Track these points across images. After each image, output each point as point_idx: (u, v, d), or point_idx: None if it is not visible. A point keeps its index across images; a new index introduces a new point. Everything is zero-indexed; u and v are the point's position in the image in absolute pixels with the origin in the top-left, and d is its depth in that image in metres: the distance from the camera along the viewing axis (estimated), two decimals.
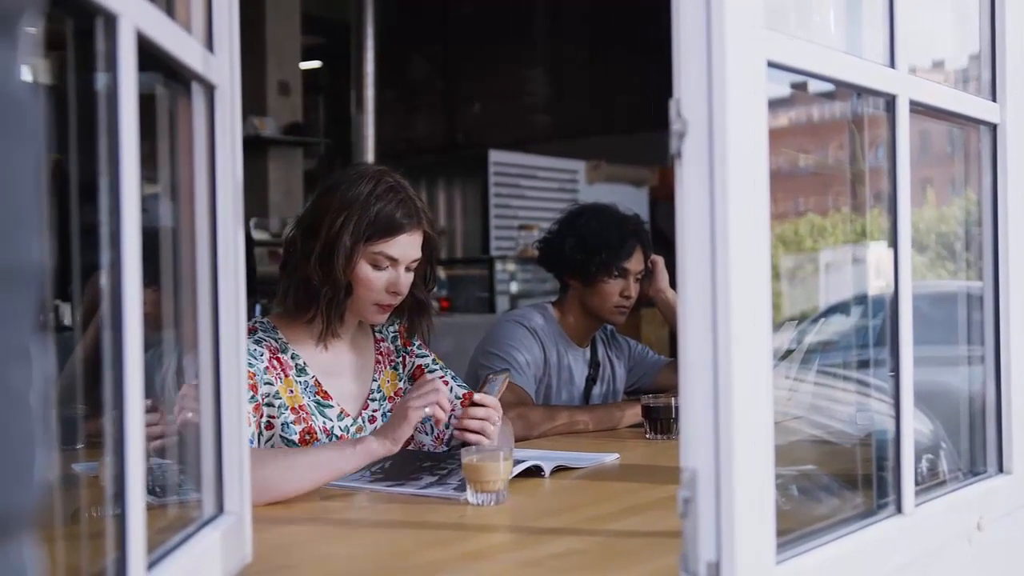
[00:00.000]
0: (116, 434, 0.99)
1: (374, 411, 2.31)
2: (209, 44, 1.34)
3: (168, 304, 1.35)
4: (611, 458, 2.32)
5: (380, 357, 2.37)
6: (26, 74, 0.57)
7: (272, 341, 2.19)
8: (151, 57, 1.10)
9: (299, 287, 2.19)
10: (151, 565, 1.08)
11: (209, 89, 1.33)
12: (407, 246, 2.20)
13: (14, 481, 0.55)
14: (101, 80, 1.00)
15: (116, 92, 0.99)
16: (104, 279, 1.00)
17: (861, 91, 1.54)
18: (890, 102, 1.50)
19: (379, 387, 2.34)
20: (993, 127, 1.78)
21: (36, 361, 0.57)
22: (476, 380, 2.90)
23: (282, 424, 2.14)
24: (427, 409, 1.98)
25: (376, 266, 2.19)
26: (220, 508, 1.35)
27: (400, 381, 2.38)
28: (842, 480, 1.69)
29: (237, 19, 1.38)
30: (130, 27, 1.00)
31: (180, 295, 1.36)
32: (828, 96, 1.72)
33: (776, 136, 1.24)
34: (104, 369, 1.01)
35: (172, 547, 1.18)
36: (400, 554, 1.58)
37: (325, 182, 2.26)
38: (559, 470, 2.15)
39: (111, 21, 0.98)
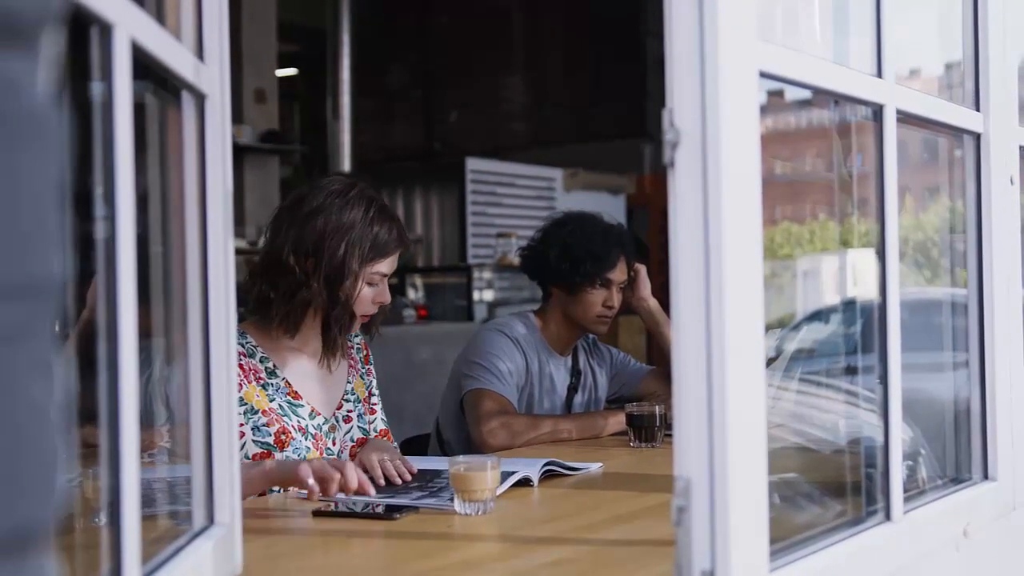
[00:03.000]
0: (111, 446, 0.99)
1: (348, 411, 2.37)
2: (200, 53, 1.33)
3: (156, 313, 1.34)
4: (595, 467, 2.32)
5: (352, 362, 2.44)
6: (47, 87, 0.56)
7: (238, 346, 2.20)
8: (142, 66, 1.09)
9: (300, 310, 2.23)
10: None
11: (200, 98, 1.32)
12: (395, 261, 2.31)
13: (38, 495, 0.55)
14: (95, 89, 1.00)
15: (111, 101, 0.98)
16: (99, 288, 0.99)
17: (849, 100, 1.55)
18: (877, 111, 1.51)
19: (352, 389, 2.41)
20: (977, 136, 1.79)
21: (56, 374, 0.57)
22: (458, 389, 2.90)
23: (254, 428, 2.17)
24: (310, 481, 1.89)
25: (370, 284, 2.27)
26: (211, 519, 1.35)
27: (365, 390, 2.45)
28: (830, 488, 1.69)
29: (227, 28, 1.37)
30: (125, 36, 1.00)
31: (167, 305, 1.35)
32: (803, 104, 1.73)
33: None
34: (87, 378, 1.00)
35: (165, 559, 1.18)
36: (390, 565, 1.57)
37: (306, 202, 2.25)
38: (547, 476, 2.15)
39: (106, 30, 0.98)
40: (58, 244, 0.57)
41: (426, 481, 2.11)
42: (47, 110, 0.56)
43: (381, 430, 2.45)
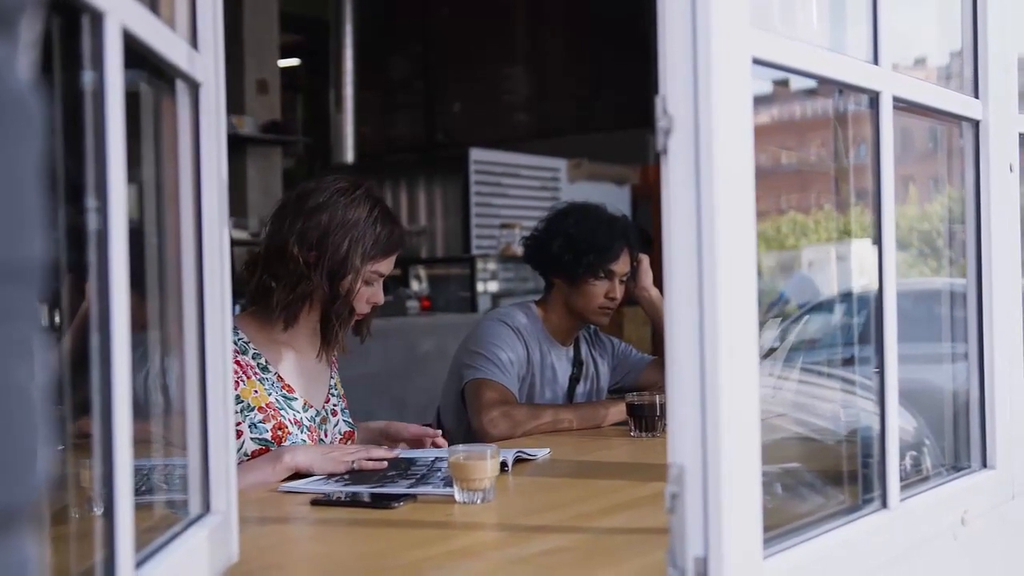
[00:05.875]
0: (104, 434, 0.99)
1: (334, 405, 2.41)
2: (194, 41, 1.33)
3: (151, 305, 1.34)
4: (543, 452, 2.34)
5: (334, 358, 2.46)
6: (26, 72, 0.56)
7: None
8: (135, 54, 1.09)
9: (300, 302, 2.25)
10: (139, 564, 1.07)
11: (194, 87, 1.32)
12: (392, 262, 2.34)
13: (18, 476, 0.55)
14: (87, 78, 1.00)
15: (103, 91, 0.98)
16: (91, 280, 1.00)
17: (845, 87, 1.54)
18: (874, 99, 1.51)
19: (335, 384, 2.44)
20: (975, 123, 1.79)
21: (38, 356, 0.57)
22: (459, 379, 2.90)
23: (250, 425, 2.18)
24: (355, 465, 2.11)
25: (367, 283, 2.29)
26: (207, 507, 1.35)
27: (341, 387, 2.49)
28: (827, 476, 1.69)
29: (221, 16, 1.37)
30: (116, 25, 1.00)
31: (164, 296, 1.35)
32: (809, 94, 1.72)
33: (757, 133, 1.24)
34: (85, 370, 1.00)
35: (159, 546, 1.18)
36: (387, 553, 1.57)
37: (311, 197, 2.27)
38: (517, 462, 2.19)
39: (97, 19, 0.98)
40: (40, 228, 0.57)
41: (404, 470, 2.10)
42: (27, 95, 0.56)
43: (346, 432, 2.44)
